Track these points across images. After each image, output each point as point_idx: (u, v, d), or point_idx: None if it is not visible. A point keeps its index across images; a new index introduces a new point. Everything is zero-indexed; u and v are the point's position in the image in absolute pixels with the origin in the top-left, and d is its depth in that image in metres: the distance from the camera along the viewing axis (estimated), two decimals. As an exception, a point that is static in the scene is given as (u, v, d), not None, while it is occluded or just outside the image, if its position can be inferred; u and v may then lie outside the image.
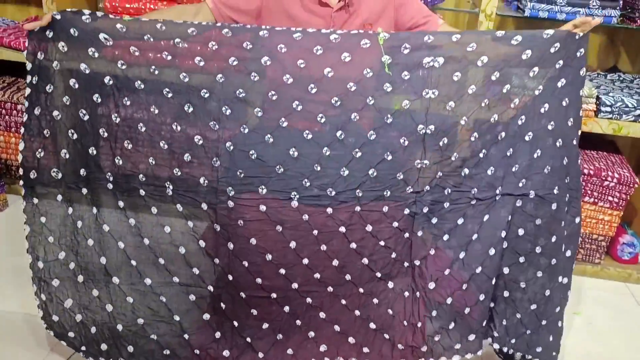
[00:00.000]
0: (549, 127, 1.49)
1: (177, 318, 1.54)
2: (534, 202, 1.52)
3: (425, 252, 1.54)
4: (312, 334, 1.56)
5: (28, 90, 1.42)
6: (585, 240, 2.38)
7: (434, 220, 1.51)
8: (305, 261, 1.49)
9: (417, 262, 1.53)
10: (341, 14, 1.63)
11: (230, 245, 1.49)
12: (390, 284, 1.54)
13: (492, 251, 1.52)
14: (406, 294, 1.55)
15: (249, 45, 1.39)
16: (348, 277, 1.52)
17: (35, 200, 1.47)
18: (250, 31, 1.40)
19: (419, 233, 1.52)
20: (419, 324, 1.56)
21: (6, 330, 1.83)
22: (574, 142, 1.52)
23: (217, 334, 1.56)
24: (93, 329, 1.55)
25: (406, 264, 1.54)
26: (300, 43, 1.39)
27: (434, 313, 1.56)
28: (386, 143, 1.44)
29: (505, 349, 1.62)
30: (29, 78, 1.41)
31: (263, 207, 1.46)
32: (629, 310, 2.24)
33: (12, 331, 1.82)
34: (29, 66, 1.41)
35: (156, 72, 1.40)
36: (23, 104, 2.43)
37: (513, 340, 1.61)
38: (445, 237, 1.52)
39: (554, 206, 1.53)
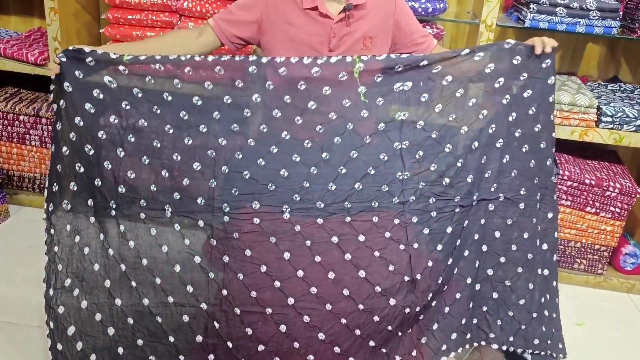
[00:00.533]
0: (517, 134, 1.59)
1: (171, 339, 1.55)
2: (503, 204, 1.62)
3: (425, 264, 1.55)
4: (311, 357, 1.54)
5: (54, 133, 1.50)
6: (588, 251, 2.37)
7: (426, 231, 1.56)
8: (300, 273, 1.51)
9: (418, 277, 1.54)
10: (342, 25, 1.64)
11: (226, 258, 1.52)
12: (392, 301, 1.54)
13: (466, 252, 1.61)
14: (407, 310, 1.55)
15: (240, 84, 1.50)
16: (346, 291, 1.51)
17: (52, 231, 1.53)
18: (241, 65, 1.48)
19: (415, 245, 1.54)
20: (409, 330, 1.60)
21: (6, 339, 1.83)
22: (542, 145, 1.61)
23: (211, 357, 1.55)
24: (93, 357, 1.55)
25: (407, 278, 1.54)
26: (286, 78, 1.49)
27: (421, 317, 1.60)
28: (367, 160, 1.55)
29: (505, 348, 1.66)
30: (57, 123, 1.49)
31: (257, 220, 1.51)
32: (632, 321, 2.23)
33: (13, 342, 1.82)
34: (54, 108, 1.48)
35: (158, 111, 1.49)
36: (25, 114, 2.50)
37: (511, 338, 1.66)
38: (439, 247, 1.56)
39: (522, 205, 1.63)
